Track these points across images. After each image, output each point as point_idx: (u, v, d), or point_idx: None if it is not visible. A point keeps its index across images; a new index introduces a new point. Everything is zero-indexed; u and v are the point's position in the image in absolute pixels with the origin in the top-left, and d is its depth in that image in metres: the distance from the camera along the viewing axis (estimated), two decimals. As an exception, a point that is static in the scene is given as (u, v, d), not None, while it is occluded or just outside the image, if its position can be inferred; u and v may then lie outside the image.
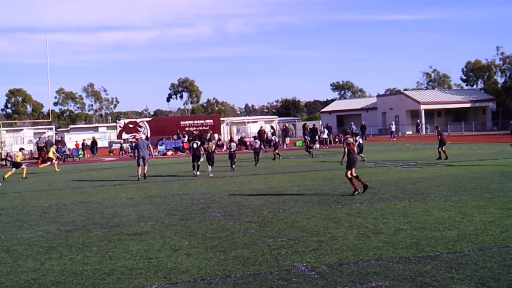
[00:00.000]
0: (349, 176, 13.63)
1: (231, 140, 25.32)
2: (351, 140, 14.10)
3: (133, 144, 43.12)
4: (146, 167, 21.14)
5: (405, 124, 59.68)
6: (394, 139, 48.21)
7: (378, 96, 74.49)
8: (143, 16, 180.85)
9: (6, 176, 22.97)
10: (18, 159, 24.54)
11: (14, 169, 24.12)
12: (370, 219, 10.08)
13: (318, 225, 9.79)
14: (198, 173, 21.56)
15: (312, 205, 12.20)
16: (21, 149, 25.96)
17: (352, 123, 50.12)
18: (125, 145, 47.44)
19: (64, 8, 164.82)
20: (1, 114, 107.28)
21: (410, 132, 58.25)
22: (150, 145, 22.34)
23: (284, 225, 9.95)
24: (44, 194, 17.08)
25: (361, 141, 27.17)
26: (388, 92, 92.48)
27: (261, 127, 46.69)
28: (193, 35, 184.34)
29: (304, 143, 44.58)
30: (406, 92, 65.92)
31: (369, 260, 7.25)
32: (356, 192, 13.49)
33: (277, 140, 27.93)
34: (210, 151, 22.13)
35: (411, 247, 7.86)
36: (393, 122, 53.78)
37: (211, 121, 54.62)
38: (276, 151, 30.13)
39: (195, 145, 22.44)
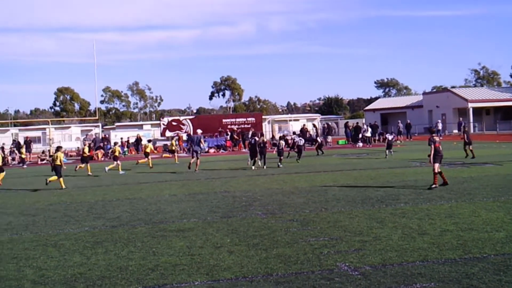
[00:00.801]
0: (436, 171, 14.32)
1: (280, 138, 25.75)
2: (436, 138, 15.00)
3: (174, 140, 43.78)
4: (198, 160, 22.96)
5: (452, 122, 58.16)
6: (441, 138, 47.14)
7: (424, 93, 72.87)
8: (186, 15, 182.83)
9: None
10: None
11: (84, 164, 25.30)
12: (415, 220, 9.90)
13: (361, 224, 9.69)
14: (253, 167, 23.07)
15: (355, 204, 12.07)
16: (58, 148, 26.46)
17: (399, 121, 49.19)
18: (169, 143, 48.06)
19: (108, 8, 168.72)
20: (50, 111, 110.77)
21: (457, 131, 56.79)
22: (202, 140, 24.64)
23: (327, 224, 9.89)
24: (91, 190, 17.53)
25: (390, 137, 28.52)
26: (434, 90, 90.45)
27: (304, 125, 46.48)
28: (235, 33, 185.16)
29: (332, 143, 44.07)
30: (453, 90, 64.25)
31: (413, 261, 7.13)
32: (434, 186, 14.17)
33: (300, 142, 26.84)
34: (262, 145, 23.78)
35: (458, 248, 7.68)
36: (439, 121, 52.57)
37: (253, 119, 54.70)
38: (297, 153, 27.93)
39: (253, 141, 24.44)
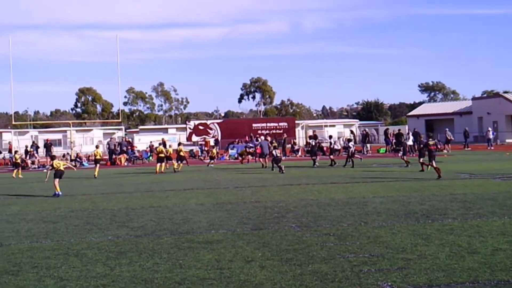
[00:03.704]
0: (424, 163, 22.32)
1: (349, 140, 31.56)
2: (431, 142, 22.16)
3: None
4: (267, 161, 29.93)
5: (505, 131, 57.10)
6: (492, 148, 46.24)
7: (474, 99, 71.81)
8: (213, 12, 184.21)
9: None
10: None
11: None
12: (464, 237, 9.76)
13: (405, 241, 9.59)
14: (317, 164, 29.83)
15: (398, 218, 11.96)
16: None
17: (447, 129, 48.15)
18: (195, 148, 48.47)
19: (132, 5, 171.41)
20: (71, 113, 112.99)
21: (510, 140, 55.73)
22: (269, 144, 30.51)
23: (366, 239, 9.82)
24: (114, 197, 17.80)
25: (349, 145, 32.79)
26: (485, 95, 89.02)
27: (314, 131, 46.46)
28: (265, 31, 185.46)
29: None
30: (506, 95, 63.08)
31: (463, 282, 7.03)
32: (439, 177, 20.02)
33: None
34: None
35: (511, 269, 7.53)
36: (490, 129, 51.61)
37: (285, 124, 54.85)
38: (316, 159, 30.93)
39: (313, 143, 31.91)
